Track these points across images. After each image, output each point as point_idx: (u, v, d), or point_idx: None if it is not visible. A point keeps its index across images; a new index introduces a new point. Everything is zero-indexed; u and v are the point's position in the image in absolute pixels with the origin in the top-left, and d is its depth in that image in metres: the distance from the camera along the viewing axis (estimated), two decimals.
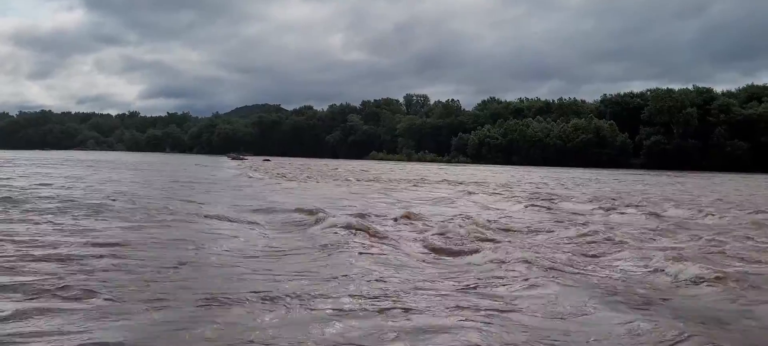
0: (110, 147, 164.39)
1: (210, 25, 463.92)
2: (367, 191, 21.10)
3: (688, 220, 12.52)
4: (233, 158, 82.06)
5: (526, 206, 15.38)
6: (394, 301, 4.84)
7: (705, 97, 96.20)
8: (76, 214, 9.55)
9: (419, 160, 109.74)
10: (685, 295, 5.51)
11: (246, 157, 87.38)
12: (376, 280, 5.63)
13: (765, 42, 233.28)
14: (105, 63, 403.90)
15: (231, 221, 10.00)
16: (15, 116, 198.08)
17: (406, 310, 4.61)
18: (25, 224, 8.16)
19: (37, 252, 6.14)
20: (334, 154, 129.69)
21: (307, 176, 30.95)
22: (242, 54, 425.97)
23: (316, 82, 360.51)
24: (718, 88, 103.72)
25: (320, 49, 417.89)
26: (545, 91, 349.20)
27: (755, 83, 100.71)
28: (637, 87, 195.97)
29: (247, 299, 4.73)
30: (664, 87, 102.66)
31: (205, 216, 10.36)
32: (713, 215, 13.29)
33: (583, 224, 10.83)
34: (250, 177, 29.22)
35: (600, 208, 15.24)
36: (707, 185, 33.84)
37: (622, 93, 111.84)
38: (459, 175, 40.71)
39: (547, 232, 9.72)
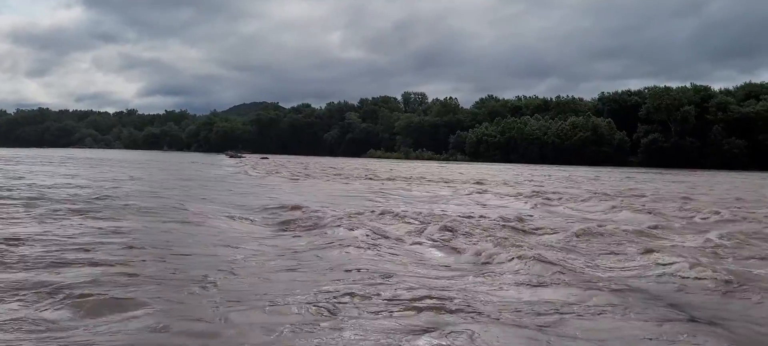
0: (108, 145, 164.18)
1: (208, 23, 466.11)
2: (380, 188, 21.14)
3: (705, 218, 12.56)
4: (231, 156, 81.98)
5: (538, 205, 15.48)
6: (446, 301, 4.93)
7: (703, 95, 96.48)
8: (103, 214, 9.61)
9: (417, 158, 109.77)
10: (726, 295, 5.59)
11: (244, 155, 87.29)
12: (425, 280, 5.73)
13: (763, 40, 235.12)
14: (103, 61, 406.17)
15: (258, 222, 10.07)
16: (12, 114, 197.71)
17: (473, 307, 4.71)
18: (55, 224, 8.20)
19: (79, 256, 6.14)
20: (332, 152, 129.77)
21: (314, 175, 30.99)
22: (240, 52, 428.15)
23: (314, 80, 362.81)
24: (716, 86, 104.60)
25: (318, 46, 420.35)
26: (543, 89, 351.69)
27: (753, 81, 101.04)
28: (635, 85, 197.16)
29: (307, 302, 4.78)
30: (662, 85, 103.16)
31: (231, 217, 10.46)
32: (732, 212, 13.38)
33: (601, 223, 10.92)
34: (259, 176, 29.24)
35: (612, 206, 15.29)
36: (713, 182, 33.94)
37: (619, 91, 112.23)
38: (463, 173, 40.67)
39: (565, 231, 9.78)
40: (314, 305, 4.68)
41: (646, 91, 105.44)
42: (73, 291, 4.76)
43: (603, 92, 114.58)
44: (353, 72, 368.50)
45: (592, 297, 5.19)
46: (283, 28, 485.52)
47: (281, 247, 7.54)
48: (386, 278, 5.73)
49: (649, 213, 13.59)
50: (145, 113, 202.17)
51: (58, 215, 9.26)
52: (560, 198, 18.09)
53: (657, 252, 7.35)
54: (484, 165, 73.74)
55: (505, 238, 8.65)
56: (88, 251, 6.43)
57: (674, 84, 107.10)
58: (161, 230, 8.43)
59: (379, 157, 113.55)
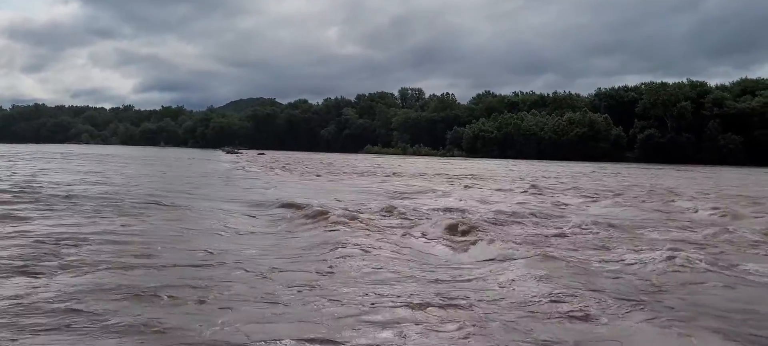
0: (104, 141, 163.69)
1: (205, 19, 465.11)
2: (398, 186, 21.19)
3: (719, 215, 12.73)
4: (228, 152, 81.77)
5: (556, 204, 15.62)
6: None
7: (699, 90, 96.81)
8: (145, 214, 9.87)
9: (414, 153, 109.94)
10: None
11: (241, 151, 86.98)
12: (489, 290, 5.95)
13: (759, 35, 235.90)
14: (100, 56, 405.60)
15: (306, 226, 10.02)
16: (8, 110, 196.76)
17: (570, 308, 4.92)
18: (100, 225, 8.40)
19: (138, 261, 6.17)
20: (329, 148, 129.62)
21: (321, 172, 31.07)
22: (237, 47, 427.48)
23: (311, 76, 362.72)
24: (712, 82, 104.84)
25: (316, 42, 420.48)
26: (540, 85, 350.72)
27: (749, 77, 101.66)
28: (632, 81, 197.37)
29: (385, 305, 4.89)
30: (659, 81, 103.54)
31: (284, 219, 10.55)
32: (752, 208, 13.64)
33: (623, 221, 11.13)
34: (269, 174, 29.22)
35: (623, 202, 15.50)
36: (720, 178, 34.09)
37: (616, 87, 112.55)
38: (467, 168, 40.70)
39: (588, 228, 9.97)
40: (402, 307, 4.86)
41: (642, 86, 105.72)
42: (159, 293, 4.89)
43: (600, 88, 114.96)
44: (350, 68, 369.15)
45: (620, 300, 5.39)
46: (281, 24, 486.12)
47: (344, 239, 7.66)
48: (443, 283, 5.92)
49: (654, 209, 13.84)
50: (142, 109, 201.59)
51: (102, 215, 9.39)
52: (575, 195, 18.26)
53: (681, 250, 7.56)
54: (483, 161, 73.84)
55: (538, 236, 8.91)
56: (150, 256, 6.52)
57: (671, 80, 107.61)
58: (212, 233, 8.52)
59: (376, 153, 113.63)
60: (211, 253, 6.83)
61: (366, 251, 7.17)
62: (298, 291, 5.22)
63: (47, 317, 4.17)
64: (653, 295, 5.44)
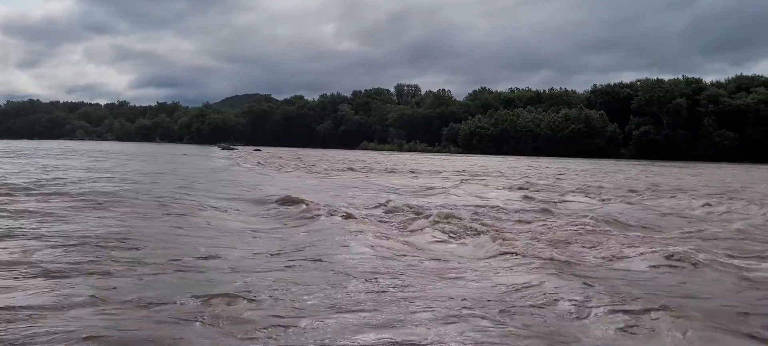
0: (99, 137, 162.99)
1: (202, 15, 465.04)
2: (411, 183, 21.39)
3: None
4: (224, 148, 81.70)
5: (564, 202, 15.79)
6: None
7: (694, 87, 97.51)
8: (183, 212, 10.05)
9: (410, 150, 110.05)
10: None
11: (236, 147, 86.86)
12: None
13: (754, 32, 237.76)
14: (95, 52, 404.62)
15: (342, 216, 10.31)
16: (3, 105, 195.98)
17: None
18: (153, 226, 8.56)
19: (205, 263, 6.20)
20: (325, 144, 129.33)
21: (326, 170, 31.18)
22: (234, 44, 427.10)
23: (307, 72, 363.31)
24: (708, 79, 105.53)
25: (312, 38, 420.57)
26: (536, 81, 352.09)
27: (744, 74, 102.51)
28: (627, 77, 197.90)
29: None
30: (654, 77, 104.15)
31: (294, 220, 10.62)
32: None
33: (624, 222, 11.35)
34: (273, 172, 29.35)
35: (630, 200, 15.72)
36: (722, 175, 34.24)
37: (612, 83, 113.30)
38: (467, 166, 40.73)
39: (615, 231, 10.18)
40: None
41: (638, 83, 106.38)
42: (237, 295, 4.91)
43: (595, 85, 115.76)
44: (346, 64, 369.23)
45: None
46: (277, 20, 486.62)
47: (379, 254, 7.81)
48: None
49: (669, 209, 14.05)
50: (137, 105, 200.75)
51: (146, 215, 9.53)
52: (581, 193, 18.46)
53: (699, 249, 7.78)
54: (480, 157, 74.01)
55: (557, 235, 9.15)
56: (211, 256, 6.54)
57: (666, 76, 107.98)
58: (259, 234, 8.61)
59: (372, 149, 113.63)
60: (273, 255, 6.92)
61: (398, 253, 7.37)
62: (368, 293, 5.34)
63: (128, 322, 4.19)
64: (676, 296, 5.64)
